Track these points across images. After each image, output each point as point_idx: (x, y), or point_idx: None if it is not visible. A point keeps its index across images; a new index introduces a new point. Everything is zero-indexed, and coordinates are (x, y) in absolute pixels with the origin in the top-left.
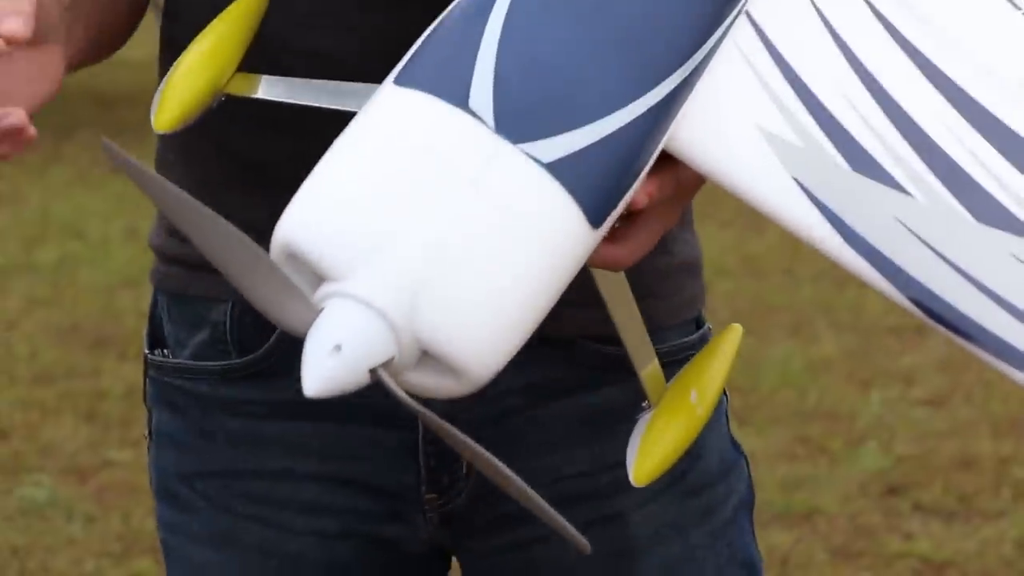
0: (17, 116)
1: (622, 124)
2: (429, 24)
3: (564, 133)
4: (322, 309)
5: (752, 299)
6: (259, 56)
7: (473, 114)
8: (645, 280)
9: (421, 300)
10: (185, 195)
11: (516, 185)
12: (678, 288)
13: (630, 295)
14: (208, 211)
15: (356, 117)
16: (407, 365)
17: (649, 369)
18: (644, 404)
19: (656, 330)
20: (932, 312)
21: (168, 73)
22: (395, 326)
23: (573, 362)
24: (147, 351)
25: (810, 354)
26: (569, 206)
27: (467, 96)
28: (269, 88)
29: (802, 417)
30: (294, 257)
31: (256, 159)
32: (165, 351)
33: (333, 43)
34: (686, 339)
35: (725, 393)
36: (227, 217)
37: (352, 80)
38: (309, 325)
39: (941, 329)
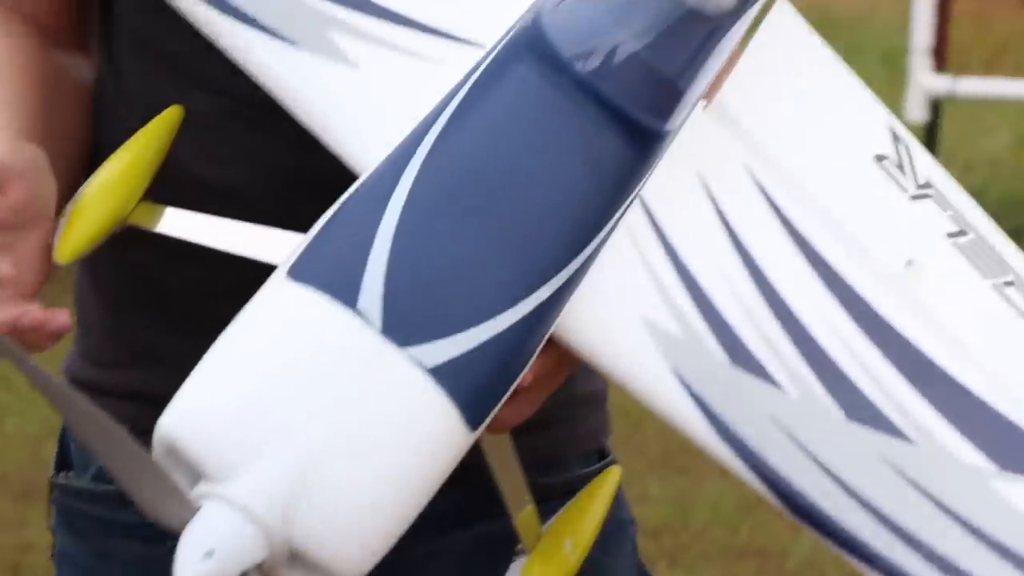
0: (31, 316)
1: (506, 327)
2: (337, 166)
3: (448, 337)
4: (199, 508)
5: (684, 436)
6: (164, 185)
7: (361, 315)
8: (545, 410)
9: (297, 507)
10: (68, 390)
11: (398, 390)
12: (580, 419)
13: (506, 436)
14: (89, 406)
15: (246, 308)
16: (279, 564)
17: (524, 513)
18: (519, 548)
19: (557, 460)
20: (798, 509)
21: (71, 200)
22: (269, 531)
23: (470, 490)
24: (53, 473)
25: (742, 491)
26: (449, 411)
27: (356, 297)
28: (171, 222)
29: (733, 555)
30: (174, 452)
31: (163, 286)
32: (69, 473)
33: (237, 176)
34: (588, 469)
35: (631, 520)
36: (133, 341)
37: (258, 215)
38: (185, 523)
39: (807, 526)
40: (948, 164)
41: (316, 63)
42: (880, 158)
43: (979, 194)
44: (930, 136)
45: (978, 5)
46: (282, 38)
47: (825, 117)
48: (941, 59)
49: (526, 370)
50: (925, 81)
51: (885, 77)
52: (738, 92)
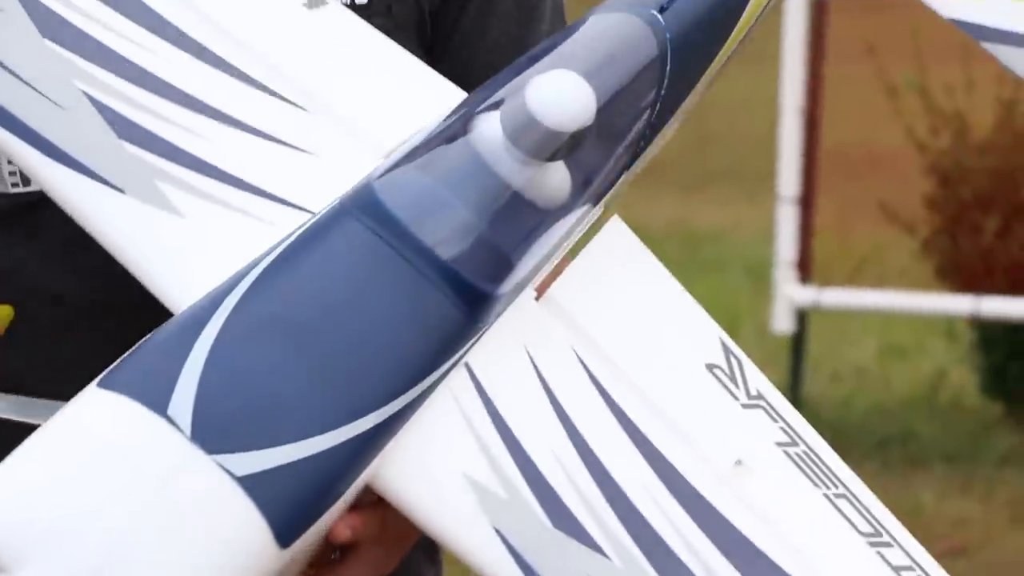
0: None
1: (319, 450)
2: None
3: (260, 450)
4: None
5: None
6: None
7: (170, 420)
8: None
9: None
10: None
11: (204, 493)
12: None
13: None
14: None
15: (56, 414)
16: None
17: None
18: None
19: None
20: None
21: None
22: None
23: None
24: None
25: None
26: (257, 521)
27: (167, 403)
28: None
29: None
30: None
31: None
32: None
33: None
34: None
35: None
36: None
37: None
38: None
39: None
40: (815, 374)
41: (144, 211)
42: (712, 367)
43: (846, 404)
44: (797, 347)
45: (840, 219)
46: (111, 186)
47: (658, 324)
48: (806, 271)
49: (341, 504)
50: (791, 293)
51: (751, 289)
52: (570, 290)
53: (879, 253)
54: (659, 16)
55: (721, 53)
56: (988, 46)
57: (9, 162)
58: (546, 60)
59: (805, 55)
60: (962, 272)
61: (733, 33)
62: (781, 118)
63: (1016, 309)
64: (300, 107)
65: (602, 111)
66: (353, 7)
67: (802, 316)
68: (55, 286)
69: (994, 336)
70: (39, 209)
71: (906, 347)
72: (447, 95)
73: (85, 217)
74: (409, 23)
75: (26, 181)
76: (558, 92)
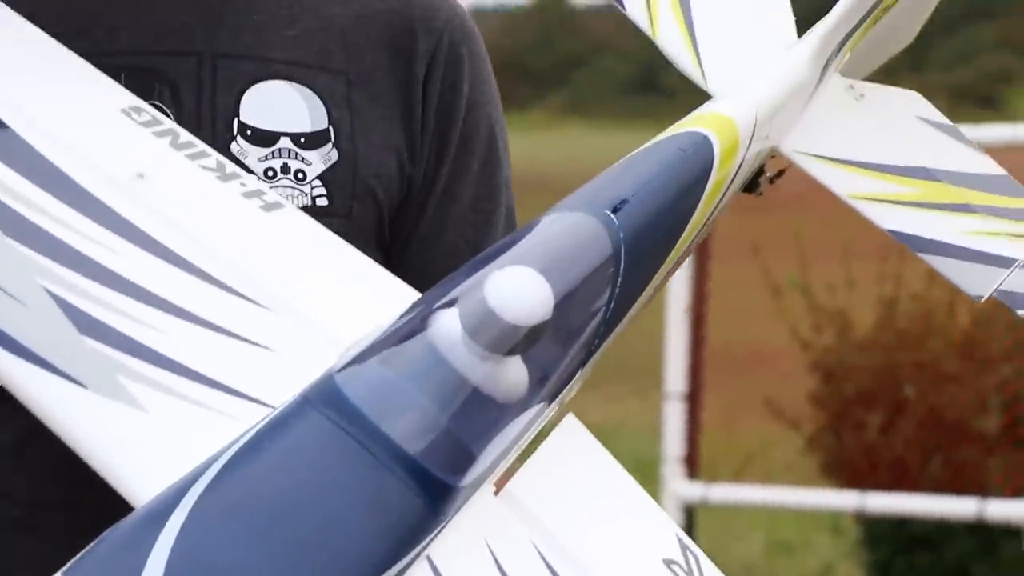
0: None
1: None
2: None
3: None
4: None
5: None
6: None
7: None
8: None
9: None
10: None
11: None
12: None
13: None
14: None
15: None
16: None
17: None
18: None
19: None
20: None
21: None
22: None
23: None
24: None
25: None
26: None
27: None
28: None
29: None
30: None
31: None
32: None
33: None
34: None
35: None
36: None
37: None
38: None
39: None
40: None
41: (107, 405)
42: (669, 562)
43: None
44: None
45: (726, 416)
46: (73, 381)
47: (615, 519)
48: (693, 467)
49: None
50: (678, 488)
51: (639, 484)
52: (529, 485)
53: (765, 449)
54: (612, 216)
55: (672, 253)
56: (926, 257)
57: None
58: (504, 257)
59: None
60: (847, 468)
61: (683, 235)
62: (668, 316)
63: (901, 505)
64: (259, 304)
65: (559, 307)
66: (313, 208)
67: (690, 512)
68: (6, 483)
69: (880, 532)
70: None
71: (793, 543)
72: (402, 296)
73: (46, 412)
74: (368, 225)
75: None
76: (516, 287)
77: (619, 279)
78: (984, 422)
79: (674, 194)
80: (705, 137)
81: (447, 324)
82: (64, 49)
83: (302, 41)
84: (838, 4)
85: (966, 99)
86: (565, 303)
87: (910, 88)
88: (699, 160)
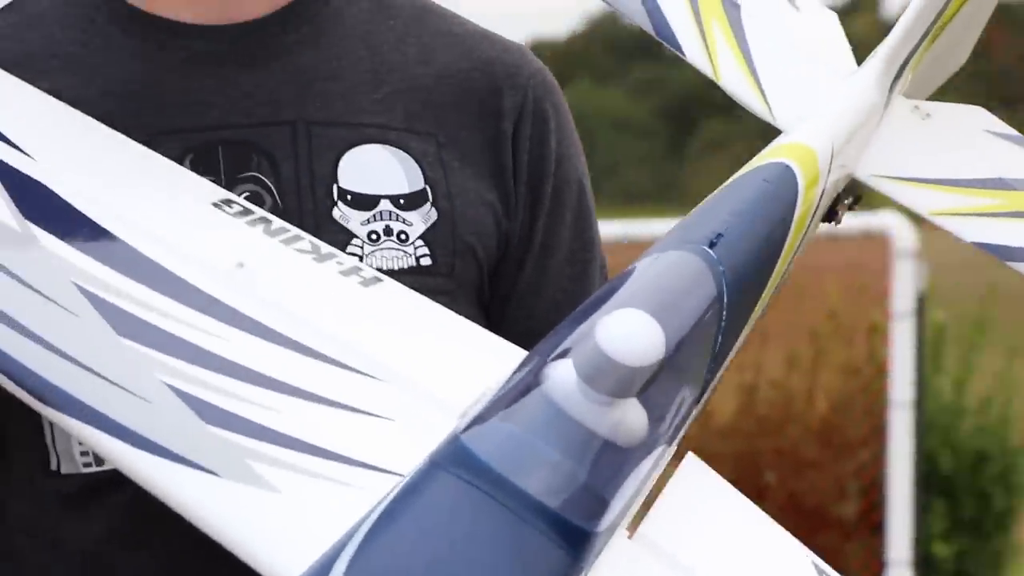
0: None
1: None
2: None
3: None
4: None
5: None
6: None
7: None
8: None
9: None
10: None
11: None
12: None
13: None
14: None
15: None
16: None
17: None
18: None
19: None
20: None
21: None
22: None
23: None
24: None
25: None
26: None
27: None
28: None
29: None
30: None
31: None
32: None
33: None
34: None
35: None
36: None
37: None
38: None
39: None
40: None
41: (240, 490)
42: None
43: None
44: None
45: None
46: (204, 470)
47: (751, 551)
48: None
49: None
50: None
51: None
52: (661, 526)
53: None
54: (711, 251)
55: (769, 284)
56: (1014, 265)
57: (80, 443)
58: (611, 302)
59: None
60: None
61: (777, 265)
62: None
63: None
64: (370, 376)
65: (670, 346)
66: (418, 268)
67: None
68: (128, 567)
69: None
70: (114, 486)
71: None
72: (508, 354)
73: (183, 504)
74: (470, 282)
75: (99, 461)
76: (628, 330)
77: (724, 312)
78: (843, 508)
79: (765, 225)
80: (787, 167)
81: (563, 374)
82: (146, 150)
83: (389, 104)
84: (897, 26)
85: None
86: (676, 341)
87: None
88: (785, 190)
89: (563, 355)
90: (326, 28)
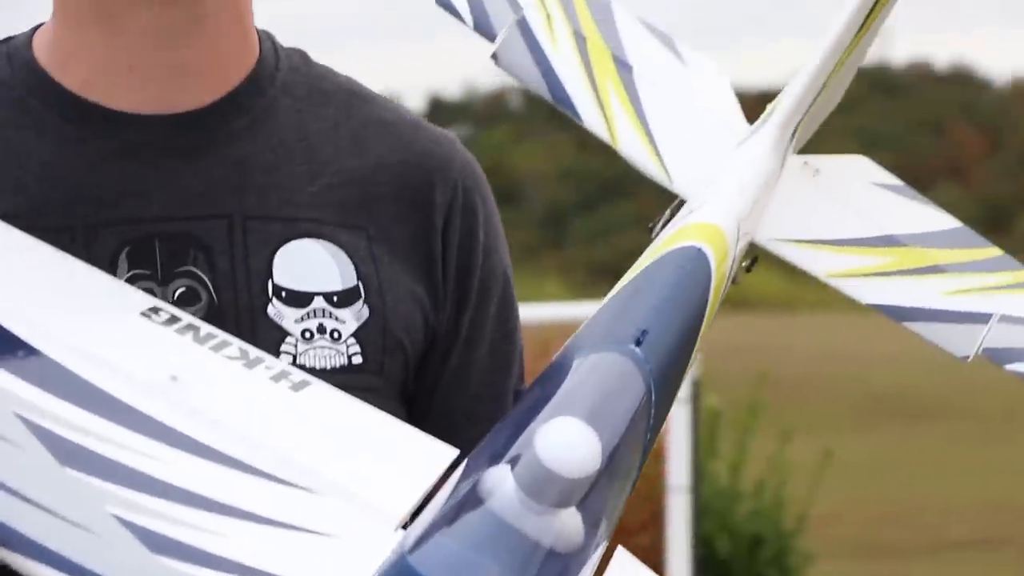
0: None
1: None
2: None
3: None
4: None
5: None
6: None
7: None
8: None
9: None
10: None
11: None
12: None
13: None
14: None
15: None
16: None
17: None
18: None
19: None
20: None
21: None
22: None
23: None
24: None
25: None
26: None
27: None
28: None
29: None
30: None
31: None
32: None
33: None
34: None
35: None
36: None
37: None
38: None
39: None
40: None
41: None
42: None
43: None
44: None
45: None
46: None
47: None
48: None
49: None
50: None
51: None
52: None
53: None
54: (638, 350)
55: (688, 366)
56: (909, 325)
57: None
58: (546, 410)
59: None
60: None
61: (696, 345)
62: None
63: None
64: (308, 490)
65: (606, 453)
66: (349, 367)
67: None
68: None
69: None
70: None
71: None
72: (440, 455)
73: None
74: (397, 379)
75: None
76: (566, 441)
77: (652, 409)
78: None
79: (685, 315)
80: (699, 250)
81: (504, 486)
82: (68, 256)
83: (323, 197)
84: (790, 92)
85: (604, 275)
86: (612, 448)
87: (553, 266)
88: (699, 274)
89: (503, 462)
90: (262, 119)
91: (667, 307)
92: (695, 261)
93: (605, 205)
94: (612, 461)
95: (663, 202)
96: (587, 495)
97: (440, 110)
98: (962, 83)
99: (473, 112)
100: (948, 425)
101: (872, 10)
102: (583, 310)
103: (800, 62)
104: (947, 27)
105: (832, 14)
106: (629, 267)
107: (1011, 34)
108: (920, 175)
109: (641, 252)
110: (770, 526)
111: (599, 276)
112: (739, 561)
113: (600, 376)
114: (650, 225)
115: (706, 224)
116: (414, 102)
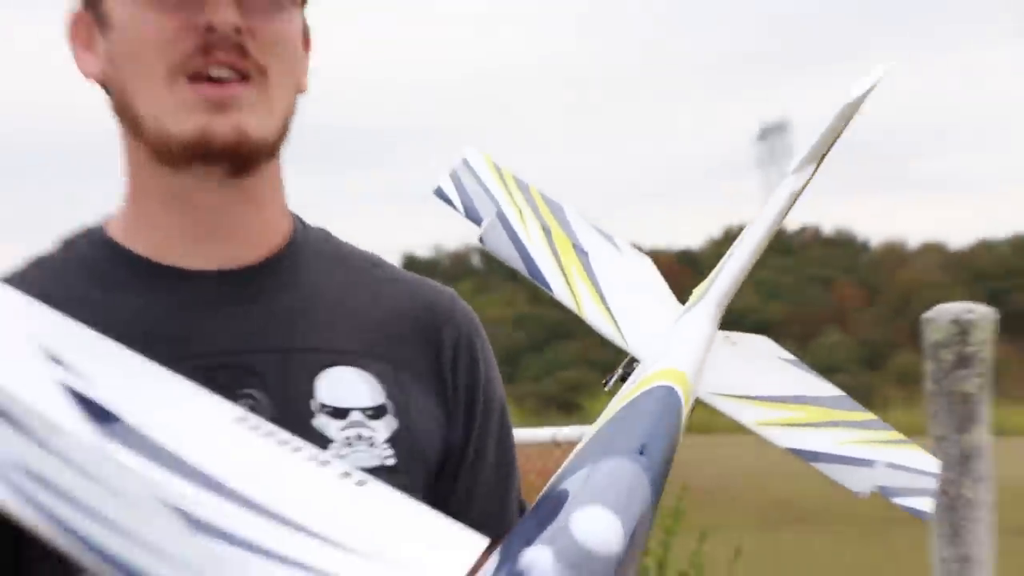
0: None
1: None
2: None
3: None
4: None
5: None
6: None
7: None
8: None
9: None
10: None
11: None
12: None
13: None
14: None
15: None
16: None
17: None
18: None
19: None
20: None
21: None
22: None
23: None
24: None
25: None
26: None
27: None
28: None
29: None
30: None
31: None
32: None
33: None
34: None
35: None
36: None
37: None
38: None
39: None
40: None
41: None
42: None
43: None
44: None
45: None
46: None
47: None
48: None
49: None
50: None
51: None
52: None
53: None
54: (643, 459)
55: (667, 478)
56: (816, 465)
57: None
58: (573, 500)
59: None
60: None
61: (672, 462)
62: None
63: None
64: (381, 560)
65: (627, 536)
66: (383, 468)
67: None
68: None
69: None
70: None
71: None
72: (475, 539)
73: None
74: (422, 483)
75: None
76: (600, 526)
77: (653, 505)
78: None
79: (668, 435)
80: (671, 389)
81: (543, 563)
82: (173, 374)
83: (352, 337)
84: (726, 274)
85: (551, 405)
86: (631, 533)
87: (508, 396)
88: (673, 407)
89: (538, 545)
90: (298, 276)
91: (656, 430)
92: (669, 397)
93: (552, 347)
94: (631, 544)
95: (601, 345)
96: (615, 573)
97: (413, 266)
98: (844, 245)
99: (441, 268)
100: (832, 527)
101: (793, 201)
102: (536, 434)
103: None
104: (832, 195)
105: None
106: (573, 397)
107: (884, 201)
108: (810, 321)
109: (581, 386)
110: None
111: (546, 405)
112: None
113: (615, 475)
114: (604, 380)
115: (674, 370)
116: (391, 260)
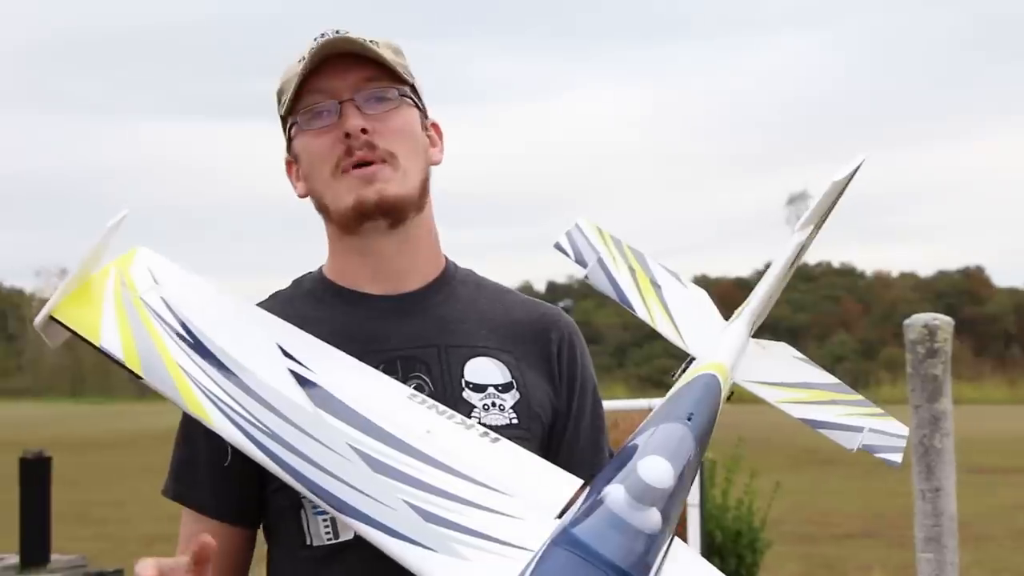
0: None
1: None
2: None
3: None
4: None
5: None
6: None
7: None
8: None
9: None
10: None
11: None
12: None
13: None
14: None
15: None
16: None
17: None
18: None
19: None
20: None
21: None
22: None
23: None
24: None
25: None
26: None
27: None
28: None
29: None
30: None
31: None
32: None
33: None
34: None
35: None
36: None
37: None
38: None
39: None
40: None
41: (447, 561)
42: None
43: None
44: None
45: None
46: (425, 547)
47: None
48: None
49: None
50: None
51: None
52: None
53: None
54: (689, 423)
55: (709, 438)
56: (822, 431)
57: (324, 522)
58: (640, 451)
59: None
60: None
61: (712, 430)
62: None
63: None
64: (508, 494)
65: (677, 476)
66: (510, 426)
67: None
68: None
69: None
70: (347, 550)
71: None
72: (573, 479)
73: (411, 565)
74: (538, 437)
75: (335, 535)
76: (658, 467)
77: (696, 458)
78: None
79: (709, 408)
80: (714, 375)
81: (617, 494)
82: (365, 365)
83: (489, 337)
84: (758, 296)
85: (648, 382)
86: (679, 474)
87: (619, 377)
88: (714, 388)
89: (615, 483)
90: (452, 295)
91: (701, 403)
92: (712, 381)
93: (648, 344)
94: (679, 482)
95: (678, 347)
96: (667, 501)
97: (555, 289)
98: (848, 274)
99: (573, 290)
100: (844, 468)
101: (812, 237)
102: (637, 403)
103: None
104: (840, 241)
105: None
106: (664, 378)
107: (875, 245)
108: (825, 326)
109: (668, 371)
110: (746, 526)
111: (646, 383)
112: (727, 546)
113: (670, 434)
114: (671, 373)
115: (716, 363)
116: (539, 285)
